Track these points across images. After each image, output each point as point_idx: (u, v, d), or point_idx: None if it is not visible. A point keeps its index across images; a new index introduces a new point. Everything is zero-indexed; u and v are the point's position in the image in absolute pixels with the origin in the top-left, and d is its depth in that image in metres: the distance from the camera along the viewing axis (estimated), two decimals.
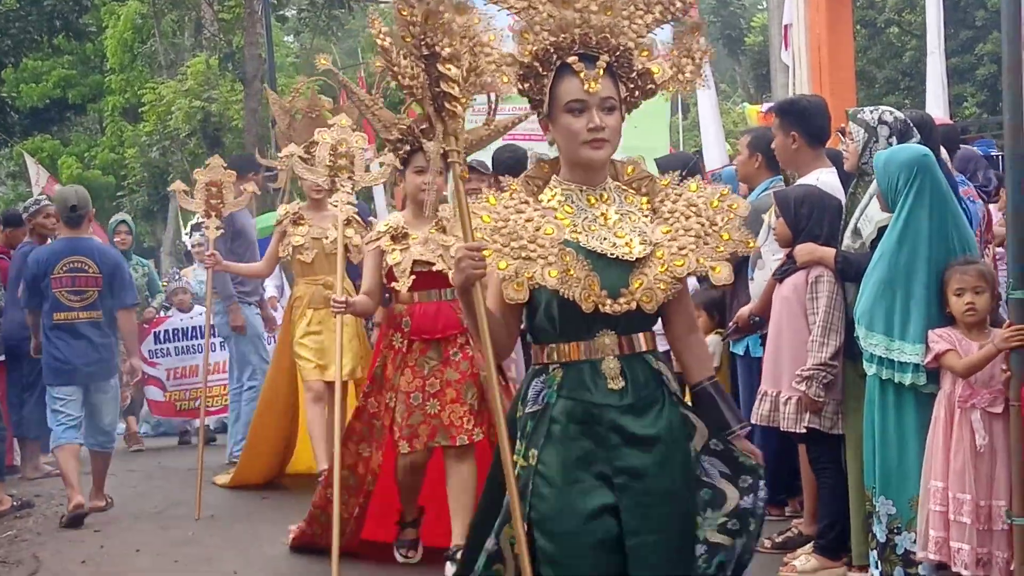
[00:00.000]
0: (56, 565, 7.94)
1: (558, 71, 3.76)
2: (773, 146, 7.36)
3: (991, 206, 8.57)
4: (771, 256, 7.07)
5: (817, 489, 6.93)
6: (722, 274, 3.84)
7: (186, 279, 12.90)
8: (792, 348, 6.73)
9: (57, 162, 32.10)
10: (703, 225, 3.85)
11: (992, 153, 9.89)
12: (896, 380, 6.20)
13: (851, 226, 6.63)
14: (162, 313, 12.43)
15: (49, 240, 10.61)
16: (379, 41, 3.81)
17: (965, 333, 5.99)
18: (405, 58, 3.82)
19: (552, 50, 3.75)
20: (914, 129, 6.81)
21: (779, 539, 7.26)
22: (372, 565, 7.11)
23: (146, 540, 8.48)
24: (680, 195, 3.95)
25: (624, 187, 3.99)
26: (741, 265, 7.47)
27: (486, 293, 3.91)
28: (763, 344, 7.21)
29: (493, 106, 6.63)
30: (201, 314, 11.84)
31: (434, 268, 6.62)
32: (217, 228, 9.16)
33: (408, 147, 6.69)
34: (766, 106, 13.13)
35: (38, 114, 33.08)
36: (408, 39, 3.70)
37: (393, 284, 6.70)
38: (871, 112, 6.88)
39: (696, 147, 12.76)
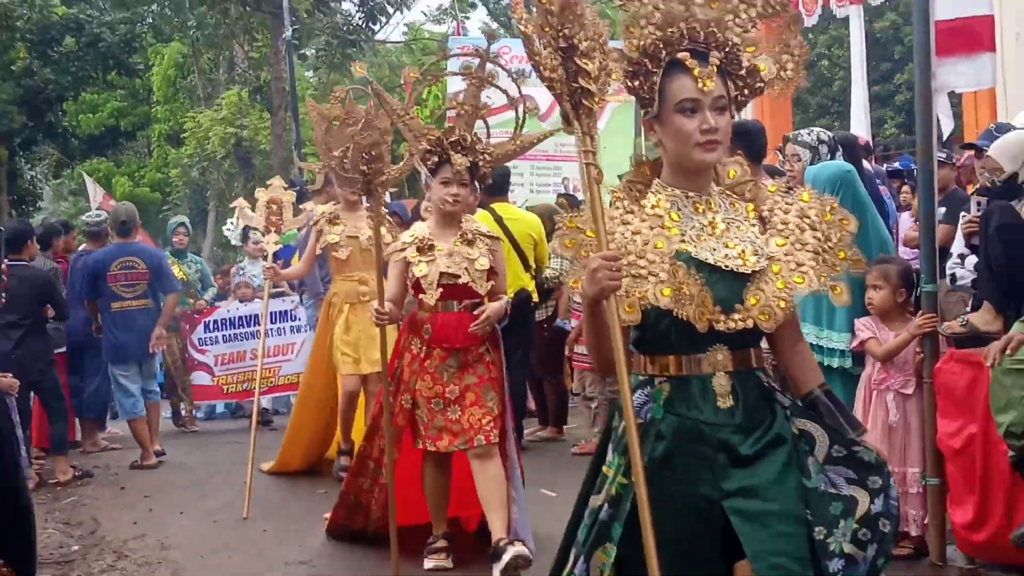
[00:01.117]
0: (111, 526, 7.94)
1: (667, 68, 3.06)
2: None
3: (904, 214, 8.59)
4: None
5: None
6: (843, 296, 3.22)
7: (250, 274, 12.34)
8: None
9: (111, 181, 32.11)
10: (819, 240, 3.22)
11: (912, 167, 9.92)
12: (825, 363, 6.24)
13: None
14: (210, 305, 12.09)
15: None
16: (521, 28, 3.05)
17: (885, 323, 6.02)
18: (546, 48, 3.01)
19: (661, 45, 3.04)
20: (838, 145, 6.91)
21: None
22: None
23: (189, 505, 8.50)
24: (791, 204, 3.29)
25: (728, 192, 3.30)
26: None
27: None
28: None
29: (521, 121, 6.14)
30: (253, 303, 11.57)
31: (460, 281, 5.80)
32: (275, 243, 8.49)
33: (436, 158, 5.79)
34: None
35: (95, 140, 33.01)
36: (547, 29, 2.99)
37: (421, 296, 5.84)
38: (808, 134, 6.92)
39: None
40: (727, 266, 3.10)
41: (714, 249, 3.13)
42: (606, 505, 3.11)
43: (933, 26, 5.95)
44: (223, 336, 11.49)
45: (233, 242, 13.15)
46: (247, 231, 12.45)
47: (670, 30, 3.04)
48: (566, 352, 9.58)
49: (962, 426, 5.65)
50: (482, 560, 5.97)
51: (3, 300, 8.21)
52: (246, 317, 11.43)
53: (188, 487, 9.27)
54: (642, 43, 3.05)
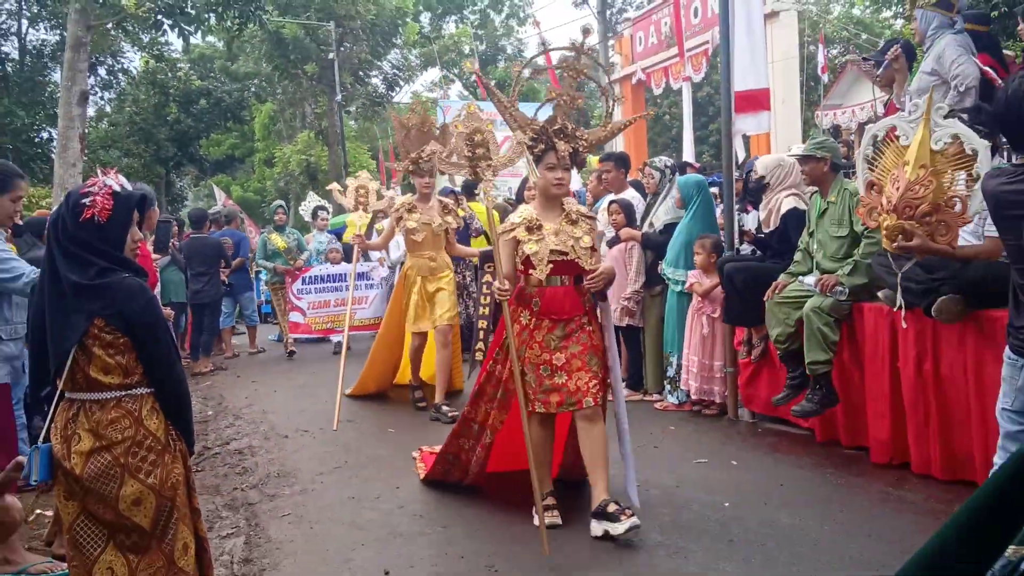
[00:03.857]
0: (231, 399, 7.93)
1: None
2: (606, 177, 7.40)
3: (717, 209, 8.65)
4: (608, 234, 7.10)
5: (628, 355, 7.01)
6: None
7: (336, 243, 11.11)
8: (618, 283, 6.78)
9: (230, 188, 31.69)
10: None
11: (720, 180, 9.98)
12: (676, 289, 6.40)
13: (648, 220, 6.72)
14: (307, 264, 10.72)
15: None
16: None
17: (705, 274, 6.08)
18: None
19: None
20: (678, 167, 7.08)
21: None
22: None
23: (280, 386, 8.47)
24: None
25: None
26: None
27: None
28: None
29: (611, 109, 4.48)
30: (339, 265, 10.53)
31: (567, 257, 4.16)
32: (361, 220, 6.85)
33: (543, 146, 4.16)
34: (602, 156, 13.13)
35: (220, 163, 32.99)
36: None
37: (531, 271, 4.18)
38: (660, 160, 7.01)
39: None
40: None
41: None
42: None
43: (733, 95, 5.99)
44: (315, 288, 10.51)
45: (306, 219, 12.15)
46: (316, 211, 11.58)
47: None
48: None
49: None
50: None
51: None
52: (332, 275, 10.53)
53: (280, 375, 9.24)
54: None
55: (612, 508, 3.85)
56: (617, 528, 3.78)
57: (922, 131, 3.65)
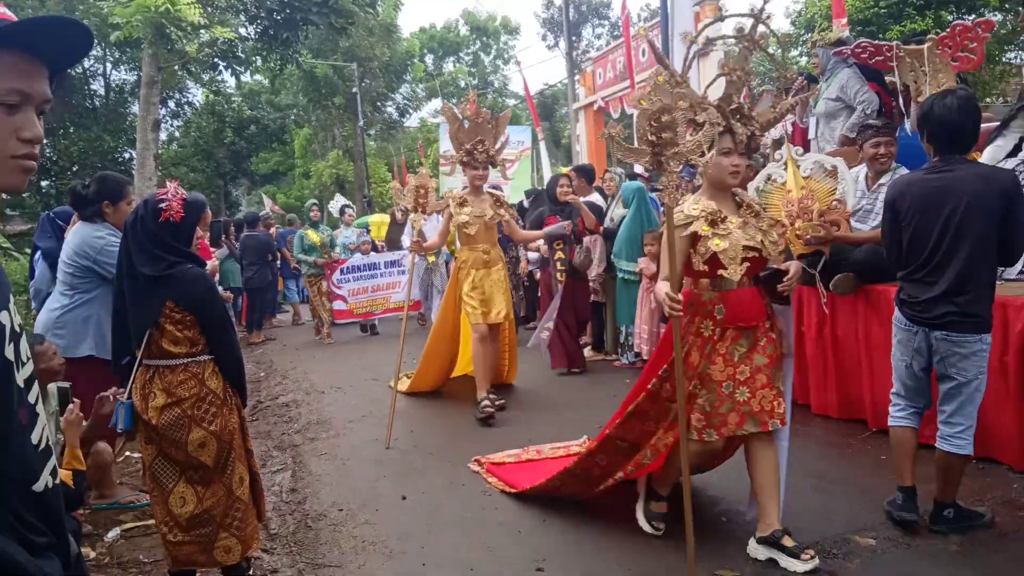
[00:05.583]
0: (282, 366, 7.82)
1: None
2: (575, 184, 7.33)
3: (662, 208, 8.63)
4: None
5: (594, 324, 6.98)
6: None
7: (366, 236, 10.12)
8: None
9: (275, 196, 31.41)
10: None
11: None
12: (628, 279, 6.27)
13: (608, 216, 6.67)
14: (342, 256, 9.56)
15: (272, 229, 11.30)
16: None
17: (652, 260, 6.05)
18: None
19: None
20: (628, 175, 6.98)
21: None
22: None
23: (319, 353, 8.39)
24: None
25: None
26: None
27: None
28: None
29: (784, 88, 2.99)
30: (371, 255, 9.57)
31: (759, 255, 2.81)
32: (422, 219, 5.19)
33: (721, 128, 2.75)
34: (571, 168, 13.04)
35: (267, 176, 32.64)
36: None
37: (721, 272, 2.76)
38: (616, 169, 6.97)
39: (542, 187, 12.63)
40: None
41: None
42: None
43: None
44: (353, 277, 9.52)
45: (334, 214, 11.02)
46: (343, 209, 10.46)
47: None
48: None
49: None
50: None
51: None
52: (367, 264, 9.58)
53: (319, 345, 9.17)
54: None
55: (788, 543, 2.79)
56: (796, 566, 2.72)
57: (791, 167, 3.86)
